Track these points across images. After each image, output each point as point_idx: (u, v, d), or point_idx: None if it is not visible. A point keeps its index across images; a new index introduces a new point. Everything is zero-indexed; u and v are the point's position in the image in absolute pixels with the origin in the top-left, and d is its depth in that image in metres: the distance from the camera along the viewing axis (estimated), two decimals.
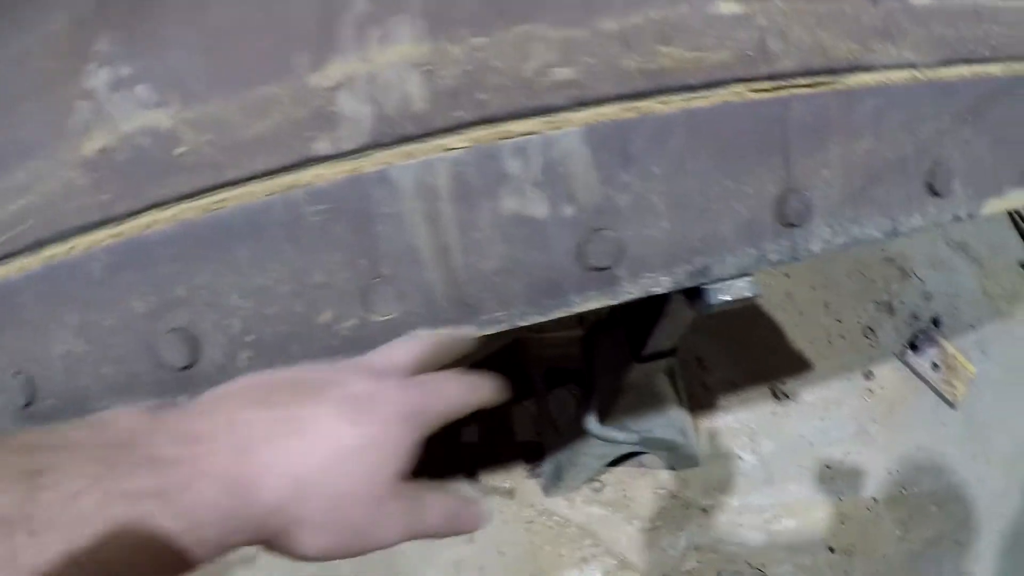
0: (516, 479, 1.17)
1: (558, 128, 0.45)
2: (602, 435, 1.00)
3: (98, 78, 0.40)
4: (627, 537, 1.17)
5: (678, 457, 1.19)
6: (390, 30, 0.43)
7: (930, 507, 1.27)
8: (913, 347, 1.39)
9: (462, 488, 1.16)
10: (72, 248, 0.40)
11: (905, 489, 1.28)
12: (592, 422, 0.99)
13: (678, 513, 1.20)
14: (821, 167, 0.51)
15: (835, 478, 1.28)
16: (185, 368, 0.43)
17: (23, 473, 0.25)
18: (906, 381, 1.38)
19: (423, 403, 0.35)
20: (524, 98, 0.45)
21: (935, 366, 1.37)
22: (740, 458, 1.27)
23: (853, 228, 0.53)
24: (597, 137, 0.46)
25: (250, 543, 0.31)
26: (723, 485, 1.24)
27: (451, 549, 1.12)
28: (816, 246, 0.52)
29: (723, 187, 0.49)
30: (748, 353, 1.37)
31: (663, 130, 0.47)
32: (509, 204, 0.45)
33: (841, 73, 0.51)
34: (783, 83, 0.50)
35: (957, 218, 0.57)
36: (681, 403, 1.18)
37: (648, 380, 1.00)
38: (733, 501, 1.23)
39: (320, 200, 0.43)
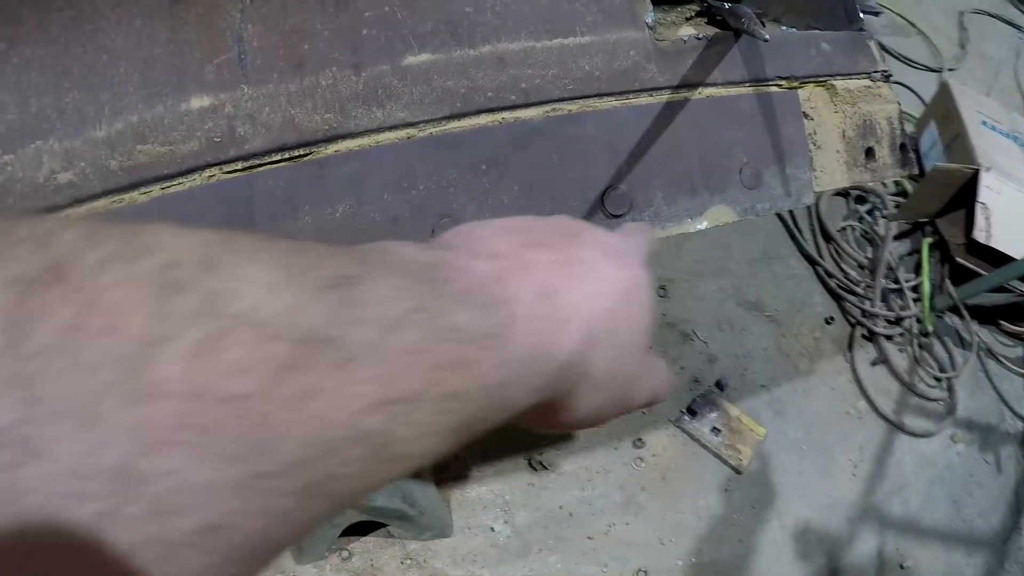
0: None
1: None
2: None
3: None
4: None
5: (418, 527, 1.15)
6: None
7: None
8: (691, 411, 1.28)
9: None
10: None
11: (681, 560, 1.15)
12: None
13: None
14: (294, 234, 0.53)
15: (597, 549, 1.16)
16: None
17: (329, 280, 0.19)
18: (683, 447, 1.26)
19: (643, 249, 0.33)
20: (38, 199, 0.57)
21: (716, 430, 1.26)
22: (493, 529, 1.20)
23: None
24: None
25: (535, 404, 0.26)
26: (475, 556, 1.17)
27: None
28: None
29: None
30: (505, 424, 1.27)
31: (138, 218, 0.54)
32: None
33: (317, 144, 0.53)
34: (256, 162, 0.54)
35: None
36: (417, 474, 1.13)
37: None
38: (485, 573, 1.16)
39: None
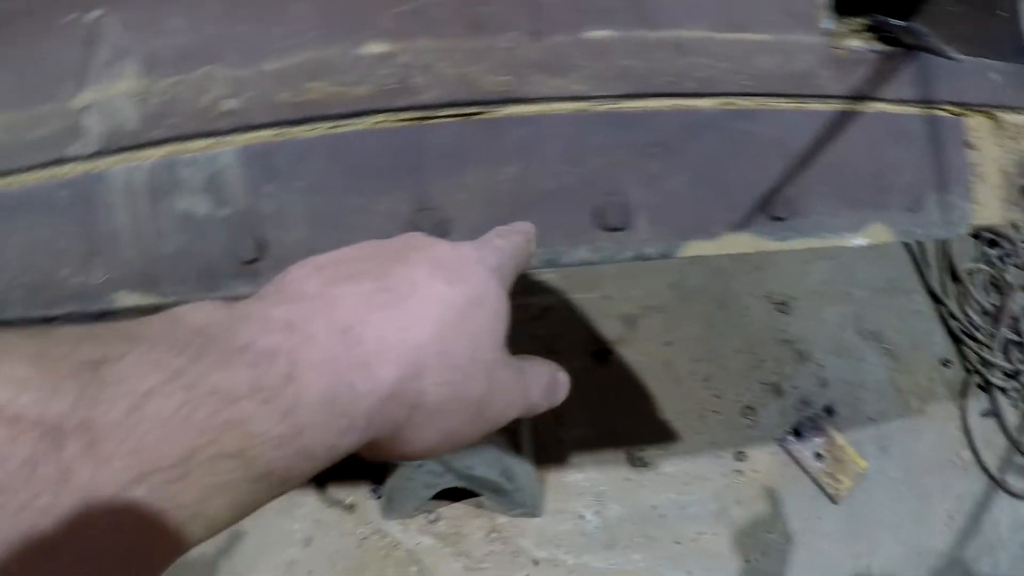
0: (359, 496, 1.24)
1: (221, 147, 0.57)
2: None
3: None
4: (452, 571, 1.17)
5: (511, 503, 1.16)
6: (120, 70, 0.59)
7: None
8: (797, 433, 1.26)
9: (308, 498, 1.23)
10: None
11: None
12: None
13: (507, 559, 1.17)
14: (458, 191, 0.54)
15: (683, 555, 1.16)
16: None
17: (79, 365, 0.19)
18: (783, 467, 1.25)
19: (498, 255, 0.33)
20: (200, 122, 0.57)
21: (819, 455, 1.24)
22: (583, 517, 1.20)
23: None
24: (248, 156, 0.56)
25: (357, 447, 0.25)
26: (560, 541, 1.19)
27: (288, 551, 1.21)
28: None
29: (355, 204, 0.54)
30: (610, 415, 1.30)
31: (304, 153, 0.55)
32: (182, 204, 0.58)
33: (490, 104, 0.54)
34: (426, 114, 0.54)
35: (643, 256, 0.53)
36: (519, 450, 1.15)
37: None
38: (568, 559, 1.17)
39: (65, 188, 0.60)
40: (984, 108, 0.57)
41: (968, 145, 0.57)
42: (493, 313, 0.29)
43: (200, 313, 0.24)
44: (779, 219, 0.53)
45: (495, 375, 0.29)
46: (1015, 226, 0.56)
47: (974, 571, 1.19)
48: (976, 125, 0.57)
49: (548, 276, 1.48)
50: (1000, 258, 1.78)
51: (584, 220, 0.53)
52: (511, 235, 0.35)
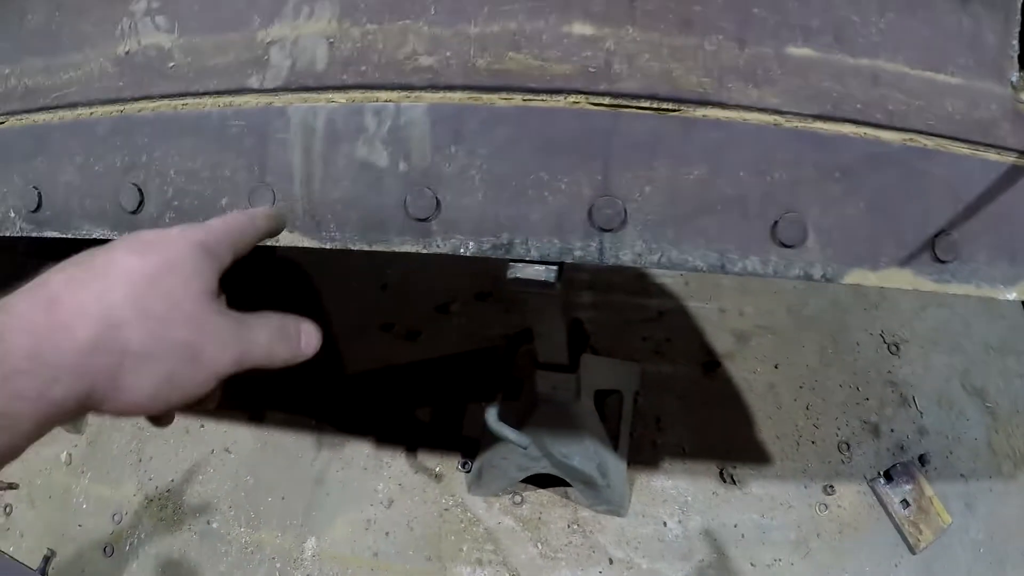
0: (447, 467, 1.25)
1: (411, 102, 0.57)
2: (492, 426, 1.03)
3: (138, 5, 0.63)
4: (527, 556, 1.18)
5: (599, 498, 1.18)
6: (315, 10, 0.60)
7: None
8: (888, 476, 1.26)
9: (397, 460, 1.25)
10: (92, 112, 0.63)
11: None
12: (490, 412, 1.03)
13: (583, 553, 1.19)
14: (644, 183, 0.55)
15: None
16: (133, 212, 0.63)
17: None
18: (869, 509, 1.25)
19: (206, 233, 0.38)
20: (392, 74, 0.58)
21: (905, 503, 1.24)
22: (665, 524, 1.22)
23: (671, 250, 0.55)
24: (438, 115, 0.57)
25: (76, 394, 0.31)
26: (639, 543, 1.20)
27: (368, 509, 1.22)
28: (627, 256, 0.55)
29: (538, 178, 0.56)
30: (709, 427, 1.32)
31: (495, 120, 0.56)
32: (361, 151, 0.58)
33: (688, 103, 0.55)
34: (623, 101, 0.55)
35: (808, 276, 0.55)
36: (616, 447, 1.17)
37: (558, 396, 1.01)
38: (643, 563, 1.19)
39: (241, 118, 0.61)
40: None
41: None
42: (188, 275, 0.35)
43: None
44: (942, 261, 0.55)
45: (201, 323, 0.35)
46: None
47: None
48: None
49: (667, 280, 1.48)
50: None
51: (760, 232, 0.55)
52: (231, 214, 0.41)
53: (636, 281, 1.48)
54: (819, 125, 0.55)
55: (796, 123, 0.55)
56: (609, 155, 0.55)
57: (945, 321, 1.48)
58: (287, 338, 0.39)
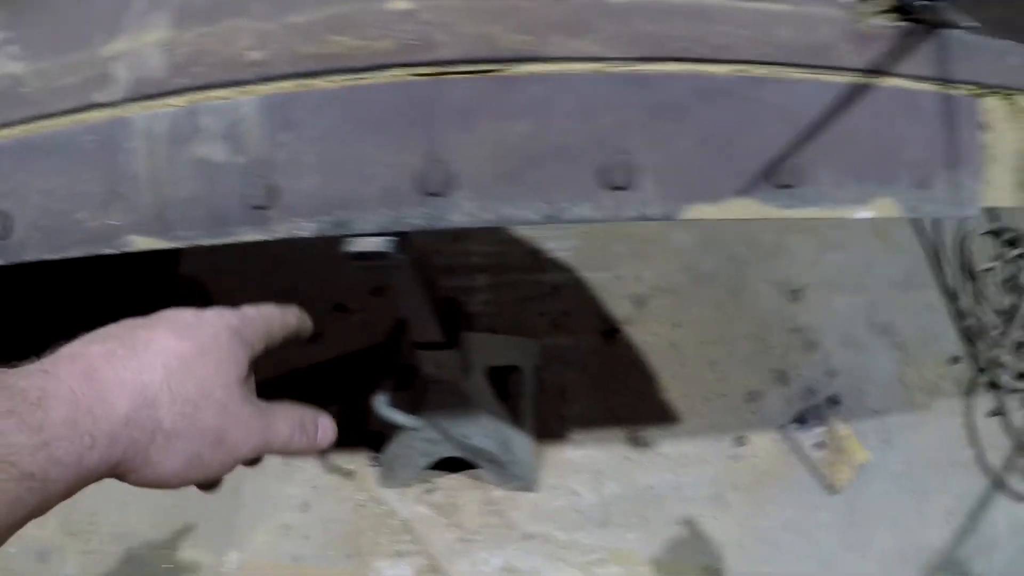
0: (359, 463, 1.23)
1: (243, 96, 0.58)
2: (381, 412, 1.00)
3: None
4: (445, 542, 1.17)
5: (508, 475, 1.16)
6: (151, 21, 0.61)
7: None
8: (800, 421, 1.24)
9: (307, 467, 1.24)
10: None
11: (755, 567, 1.14)
12: (377, 400, 1.00)
13: (500, 532, 1.17)
14: (469, 145, 0.54)
15: (678, 537, 1.15)
16: (2, 239, 0.64)
17: None
18: (783, 455, 1.23)
19: (242, 321, 0.41)
20: (226, 72, 0.59)
21: (820, 445, 1.23)
22: (578, 494, 1.19)
23: (504, 207, 0.54)
24: (268, 105, 0.57)
25: (108, 462, 0.33)
26: (554, 516, 1.18)
27: (285, 515, 1.21)
28: (458, 217, 0.54)
29: (367, 154, 0.55)
30: (615, 394, 1.29)
31: (322, 103, 0.56)
32: (200, 150, 0.59)
33: (507, 62, 0.54)
34: (444, 69, 0.55)
35: (644, 216, 0.54)
36: (518, 422, 1.14)
37: (444, 374, 0.99)
38: (560, 535, 1.16)
39: (91, 133, 0.62)
40: (1002, 90, 0.57)
41: (982, 126, 0.56)
42: (221, 361, 0.37)
43: (13, 378, 0.32)
44: (785, 187, 0.52)
45: (229, 410, 0.37)
46: None
47: (968, 570, 1.17)
48: (992, 107, 0.57)
49: (560, 254, 1.47)
50: (1017, 257, 1.73)
51: (589, 178, 0.53)
52: (264, 305, 0.43)
53: (529, 257, 1.45)
54: (643, 67, 0.54)
55: (620, 67, 0.54)
56: (432, 122, 0.55)
57: (845, 263, 1.45)
58: (305, 432, 0.42)
